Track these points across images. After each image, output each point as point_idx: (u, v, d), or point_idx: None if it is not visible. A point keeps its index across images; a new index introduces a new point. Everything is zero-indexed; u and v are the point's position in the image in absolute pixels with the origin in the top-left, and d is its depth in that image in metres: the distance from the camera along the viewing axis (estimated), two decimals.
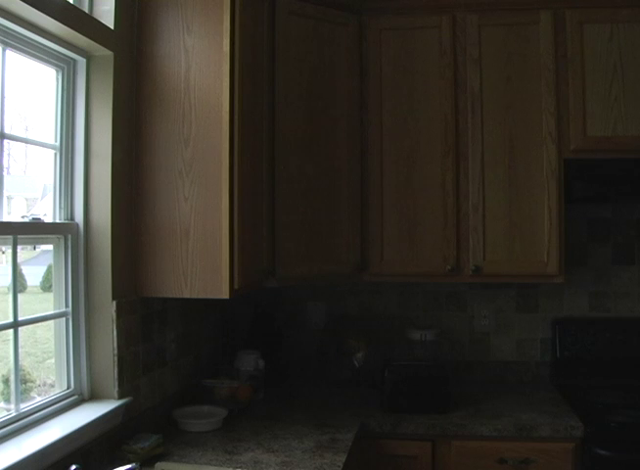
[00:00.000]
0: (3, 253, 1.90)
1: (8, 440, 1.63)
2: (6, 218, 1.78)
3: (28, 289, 2.08)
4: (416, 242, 2.66)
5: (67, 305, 1.98)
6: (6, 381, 1.80)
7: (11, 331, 1.74)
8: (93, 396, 2.01)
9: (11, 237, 1.75)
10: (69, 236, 1.99)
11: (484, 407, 2.50)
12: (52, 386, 1.98)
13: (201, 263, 2.06)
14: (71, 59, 2.00)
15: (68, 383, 1.97)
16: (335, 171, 2.63)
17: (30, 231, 1.90)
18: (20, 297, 1.79)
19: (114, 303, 2.00)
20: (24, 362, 1.91)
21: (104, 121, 2.01)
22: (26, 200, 2.39)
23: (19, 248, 1.80)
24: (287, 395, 2.74)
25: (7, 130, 1.79)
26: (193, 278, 2.06)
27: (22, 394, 1.83)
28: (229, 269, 2.04)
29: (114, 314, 1.99)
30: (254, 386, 2.56)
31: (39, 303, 2.08)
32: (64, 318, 1.98)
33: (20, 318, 1.77)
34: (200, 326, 2.67)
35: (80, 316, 2.00)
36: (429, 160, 2.65)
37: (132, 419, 2.06)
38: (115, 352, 1.99)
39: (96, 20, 1.98)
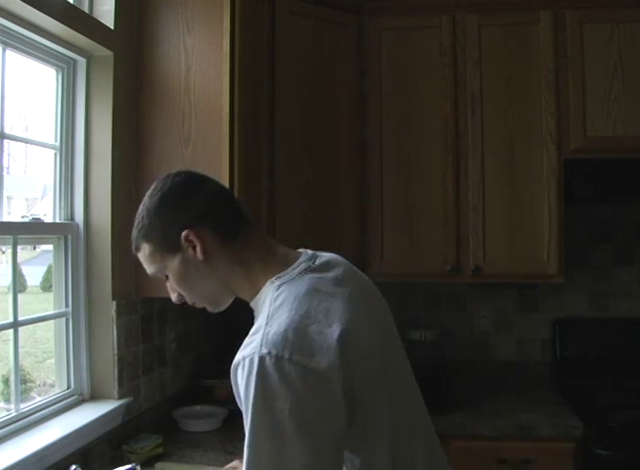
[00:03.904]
0: (3, 253, 1.90)
1: (8, 440, 1.63)
2: (6, 218, 1.78)
3: (28, 289, 2.08)
4: (416, 242, 2.66)
5: (67, 306, 1.98)
6: (6, 381, 1.80)
7: (11, 331, 1.74)
8: (93, 396, 2.01)
9: (11, 237, 1.75)
10: (69, 236, 1.98)
11: (484, 407, 2.50)
12: (52, 386, 1.98)
13: None
14: (71, 59, 1.99)
15: (68, 383, 1.97)
16: (335, 171, 2.62)
17: (30, 231, 1.90)
18: (20, 297, 1.79)
19: (114, 303, 2.00)
20: (24, 362, 1.92)
21: (104, 121, 2.01)
22: (26, 200, 2.39)
23: (19, 248, 1.80)
24: None
25: (7, 130, 1.79)
26: None
27: (22, 394, 1.83)
28: None
29: (114, 314, 1.99)
30: None
31: (39, 303, 2.08)
32: (64, 318, 1.98)
33: (20, 318, 1.77)
34: (200, 326, 2.67)
35: (80, 316, 2.00)
36: (429, 159, 2.65)
37: (132, 419, 2.06)
38: (115, 352, 1.99)
39: (96, 20, 1.99)
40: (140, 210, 1.23)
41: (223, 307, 1.28)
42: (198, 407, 2.38)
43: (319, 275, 1.18)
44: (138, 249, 1.23)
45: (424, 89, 2.66)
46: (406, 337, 2.84)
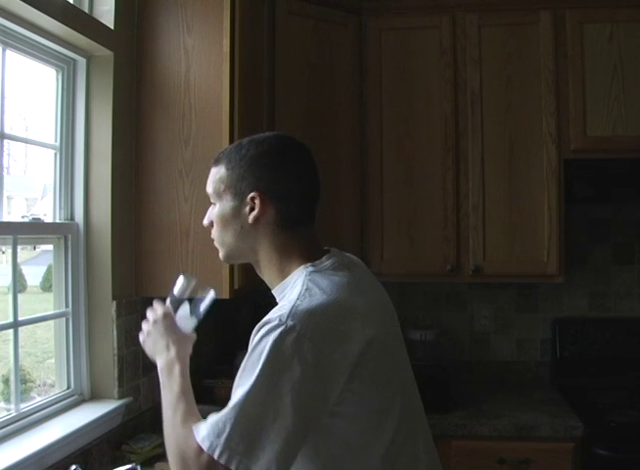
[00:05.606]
0: (3, 253, 1.90)
1: (8, 440, 1.63)
2: (6, 218, 1.78)
3: (28, 289, 2.08)
4: (416, 242, 2.66)
5: (67, 306, 1.98)
6: (6, 381, 1.80)
7: (11, 331, 1.74)
8: (93, 396, 2.01)
9: (11, 237, 1.75)
10: (69, 236, 1.98)
11: (484, 407, 2.50)
12: (52, 386, 1.98)
13: (201, 263, 2.06)
14: (72, 59, 1.99)
15: (68, 383, 1.97)
16: (335, 171, 2.62)
17: (30, 231, 1.90)
18: (20, 297, 1.79)
19: (114, 303, 2.00)
20: (24, 362, 1.92)
21: (104, 121, 2.01)
22: (26, 200, 2.39)
23: (19, 248, 1.80)
24: None
25: (7, 130, 1.79)
26: None
27: (23, 394, 1.83)
28: (229, 269, 2.03)
29: (114, 314, 1.99)
30: None
31: (39, 303, 2.09)
32: (64, 318, 1.98)
33: (20, 318, 1.76)
34: (199, 326, 2.66)
35: (80, 316, 2.00)
36: (429, 160, 2.65)
37: (132, 419, 2.06)
38: (115, 352, 1.99)
39: (96, 20, 1.98)
40: (247, 142, 1.26)
41: (231, 263, 1.40)
42: (198, 407, 2.37)
43: (349, 273, 1.21)
44: (218, 163, 1.28)
45: (424, 89, 2.66)
46: (406, 337, 2.82)
